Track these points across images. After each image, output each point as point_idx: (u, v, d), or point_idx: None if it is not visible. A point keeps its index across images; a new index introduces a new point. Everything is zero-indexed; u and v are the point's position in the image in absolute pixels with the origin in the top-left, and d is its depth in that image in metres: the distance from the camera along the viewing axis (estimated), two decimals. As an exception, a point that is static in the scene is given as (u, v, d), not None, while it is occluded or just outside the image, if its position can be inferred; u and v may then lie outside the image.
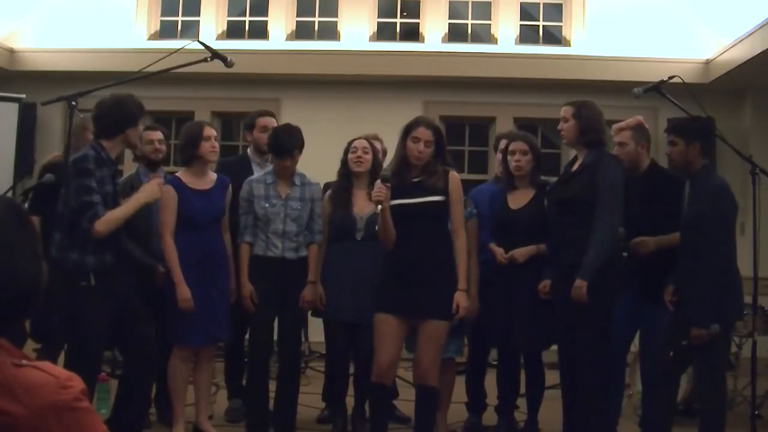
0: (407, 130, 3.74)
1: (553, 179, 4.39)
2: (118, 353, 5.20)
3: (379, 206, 3.54)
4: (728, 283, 3.67)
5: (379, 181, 3.60)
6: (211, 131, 4.20)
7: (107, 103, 3.70)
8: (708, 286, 3.60)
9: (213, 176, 4.27)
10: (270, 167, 4.35)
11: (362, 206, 4.28)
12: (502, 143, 4.53)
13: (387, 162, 4.39)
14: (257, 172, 4.48)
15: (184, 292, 4.02)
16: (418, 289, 3.63)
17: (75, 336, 3.56)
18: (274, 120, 4.83)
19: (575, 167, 4.06)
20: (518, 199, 4.38)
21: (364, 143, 4.40)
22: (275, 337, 4.32)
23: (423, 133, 3.70)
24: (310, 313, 4.50)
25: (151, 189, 3.78)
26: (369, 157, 4.36)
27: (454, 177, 3.78)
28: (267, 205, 4.18)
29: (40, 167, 4.33)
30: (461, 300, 3.67)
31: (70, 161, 3.57)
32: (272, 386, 4.27)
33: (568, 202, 3.96)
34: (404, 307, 3.65)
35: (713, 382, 3.71)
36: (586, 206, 3.85)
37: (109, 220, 3.58)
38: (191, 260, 4.07)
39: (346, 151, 4.42)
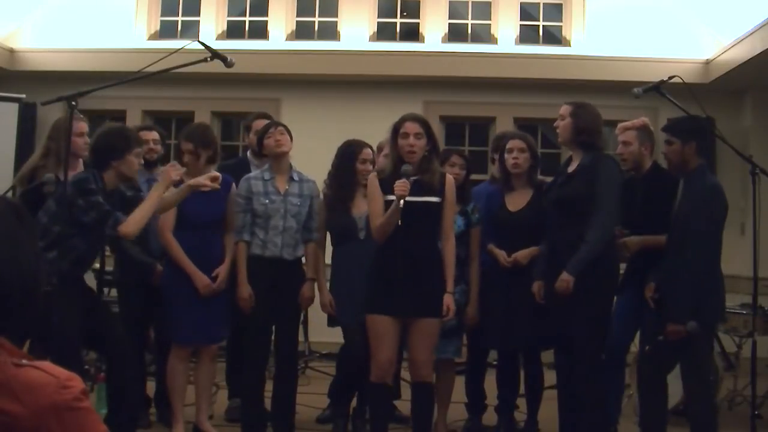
0: (395, 129, 3.76)
1: (550, 179, 4.39)
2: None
3: (401, 201, 3.55)
4: (710, 283, 3.67)
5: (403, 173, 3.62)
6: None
7: (97, 134, 3.66)
8: (688, 283, 3.61)
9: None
10: (266, 165, 4.31)
11: (360, 206, 4.27)
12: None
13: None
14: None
15: (202, 279, 4.04)
16: (408, 287, 3.63)
17: (52, 337, 3.53)
18: (262, 121, 4.71)
19: (572, 168, 4.05)
20: (516, 201, 4.37)
21: (371, 154, 4.37)
22: (272, 337, 4.31)
23: (410, 126, 3.71)
24: (327, 322, 4.44)
25: (164, 176, 3.72)
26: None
27: (450, 180, 3.81)
28: (267, 201, 4.15)
29: (22, 175, 4.10)
30: (449, 302, 3.68)
31: (71, 181, 3.54)
32: (271, 387, 4.27)
33: (566, 202, 3.95)
34: (395, 307, 3.65)
35: (698, 382, 3.73)
36: (584, 207, 3.85)
37: (134, 219, 3.58)
38: None
39: (349, 157, 4.34)
